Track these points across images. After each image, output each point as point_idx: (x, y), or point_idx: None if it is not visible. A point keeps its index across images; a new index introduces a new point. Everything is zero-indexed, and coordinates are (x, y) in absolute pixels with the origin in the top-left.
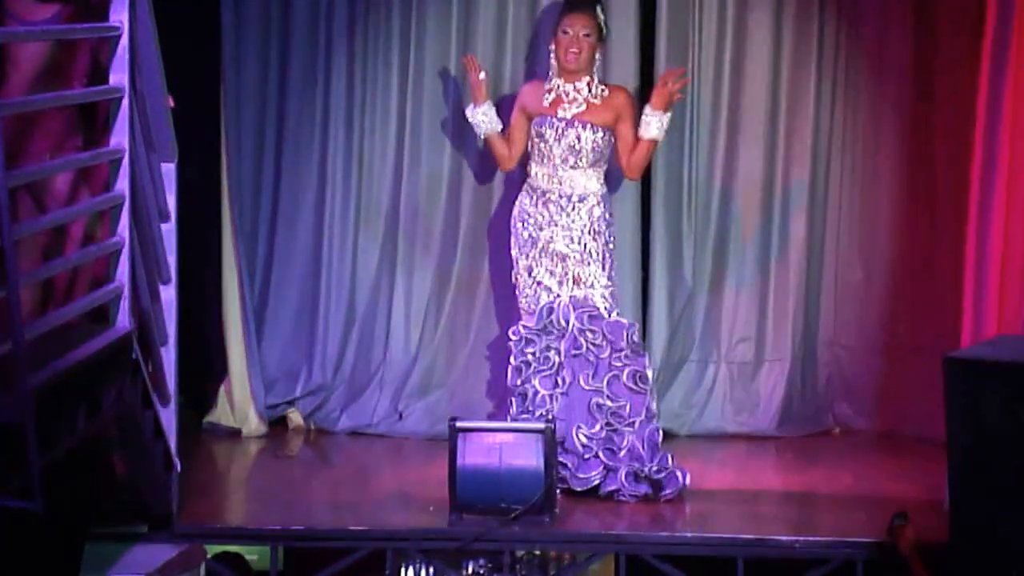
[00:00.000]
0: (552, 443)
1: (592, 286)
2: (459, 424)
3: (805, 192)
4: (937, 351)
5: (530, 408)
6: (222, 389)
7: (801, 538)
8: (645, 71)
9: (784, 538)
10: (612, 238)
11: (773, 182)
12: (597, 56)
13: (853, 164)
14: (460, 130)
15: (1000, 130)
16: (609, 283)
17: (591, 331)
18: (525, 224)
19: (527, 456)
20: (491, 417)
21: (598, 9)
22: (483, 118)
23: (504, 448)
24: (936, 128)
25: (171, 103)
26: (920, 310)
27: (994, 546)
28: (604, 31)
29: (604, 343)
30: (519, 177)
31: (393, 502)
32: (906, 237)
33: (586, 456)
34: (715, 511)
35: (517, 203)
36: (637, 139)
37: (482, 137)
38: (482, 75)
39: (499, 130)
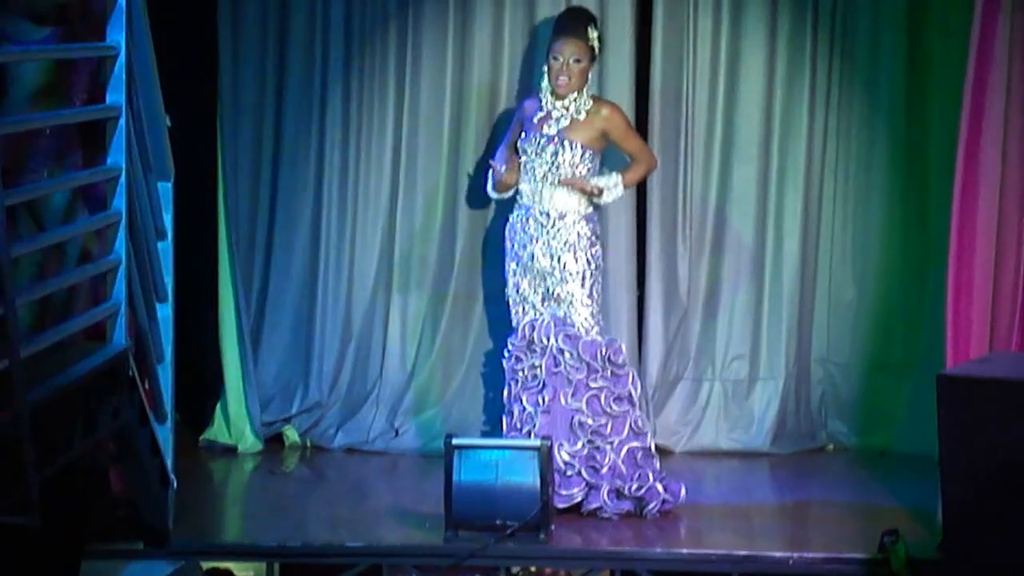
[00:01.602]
0: (548, 460)
1: (571, 304)
2: (455, 441)
3: (798, 211)
4: (930, 369)
5: (518, 425)
6: (218, 406)
7: (795, 554)
8: (641, 93)
9: (778, 554)
10: (596, 257)
11: (767, 201)
12: (589, 75)
13: (846, 184)
14: (456, 148)
15: (982, 151)
16: (589, 302)
17: (568, 351)
18: (512, 241)
19: (523, 473)
20: (486, 434)
21: (590, 30)
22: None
23: (500, 465)
24: (928, 148)
25: (168, 122)
26: (913, 328)
27: (987, 563)
28: (597, 49)
29: (581, 363)
30: (513, 195)
31: (389, 518)
32: (898, 256)
33: (568, 473)
34: (710, 527)
35: (508, 220)
36: (635, 151)
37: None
38: (504, 168)
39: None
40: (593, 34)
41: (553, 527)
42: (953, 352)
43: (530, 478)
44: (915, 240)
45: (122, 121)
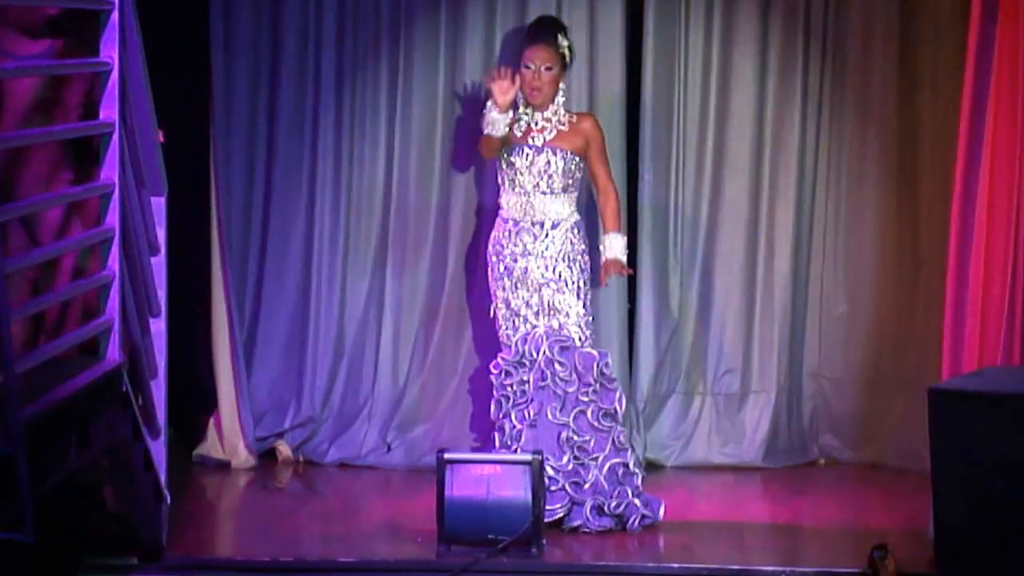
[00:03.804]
0: (540, 475)
1: (567, 315)
2: (447, 456)
3: (790, 225)
4: (922, 383)
5: (508, 443)
6: (211, 421)
7: (786, 569)
8: (632, 107)
9: (769, 569)
10: (588, 267)
11: (758, 215)
12: (562, 84)
13: (838, 197)
14: (448, 162)
15: (980, 163)
16: (584, 312)
17: (560, 363)
18: (500, 256)
19: (515, 488)
20: (477, 449)
21: (559, 37)
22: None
23: (492, 480)
24: (921, 161)
25: (161, 138)
26: (905, 342)
27: None
28: (568, 57)
29: (572, 376)
30: (496, 210)
31: (381, 533)
32: (890, 270)
33: (552, 488)
34: (701, 542)
35: (491, 236)
36: (604, 182)
37: (495, 135)
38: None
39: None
40: (564, 42)
41: (546, 542)
42: (948, 366)
43: (522, 493)
44: (907, 254)
45: (115, 136)
